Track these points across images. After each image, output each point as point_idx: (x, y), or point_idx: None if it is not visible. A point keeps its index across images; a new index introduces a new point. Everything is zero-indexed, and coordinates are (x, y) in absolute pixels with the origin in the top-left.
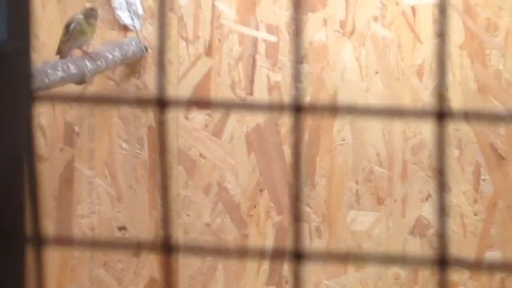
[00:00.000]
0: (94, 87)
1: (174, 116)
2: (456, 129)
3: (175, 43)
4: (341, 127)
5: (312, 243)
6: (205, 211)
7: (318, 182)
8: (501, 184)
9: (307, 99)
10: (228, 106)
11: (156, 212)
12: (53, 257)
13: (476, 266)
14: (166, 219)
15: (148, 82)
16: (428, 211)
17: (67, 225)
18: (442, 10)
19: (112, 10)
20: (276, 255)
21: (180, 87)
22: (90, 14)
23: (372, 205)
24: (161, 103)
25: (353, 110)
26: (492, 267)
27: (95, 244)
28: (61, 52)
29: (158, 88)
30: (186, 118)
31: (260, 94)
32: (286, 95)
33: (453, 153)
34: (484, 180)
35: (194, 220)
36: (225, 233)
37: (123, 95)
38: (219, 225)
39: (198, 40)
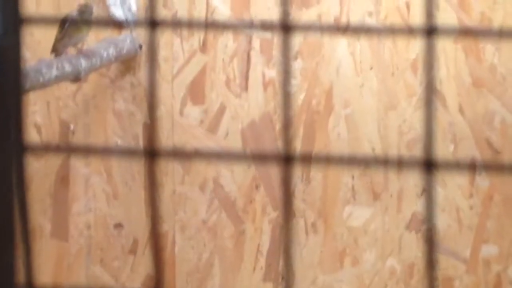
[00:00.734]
0: (89, 84)
1: (169, 112)
2: (451, 124)
3: (169, 40)
4: (336, 122)
5: (308, 238)
6: (201, 207)
7: (313, 177)
8: (497, 178)
9: (302, 94)
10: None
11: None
12: (48, 254)
13: (472, 260)
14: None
15: (143, 79)
16: (423, 206)
17: (63, 223)
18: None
19: (106, 7)
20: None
21: (174, 84)
22: (85, 11)
23: (368, 200)
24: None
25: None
26: (488, 261)
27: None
28: (56, 50)
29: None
30: (181, 114)
31: (255, 90)
32: (281, 91)
33: (448, 147)
34: (479, 174)
35: (191, 216)
36: (222, 230)
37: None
38: (215, 222)
39: (193, 36)
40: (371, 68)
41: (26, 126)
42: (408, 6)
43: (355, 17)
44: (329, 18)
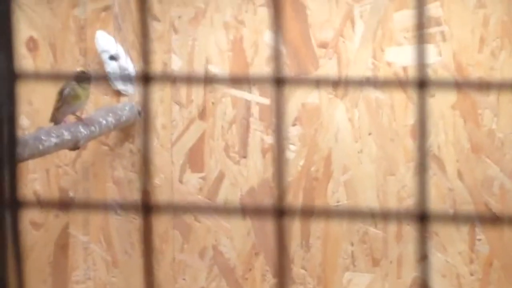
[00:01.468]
0: (88, 152)
1: (169, 180)
2: (450, 189)
3: (168, 107)
4: (336, 188)
5: None
6: (201, 275)
7: (313, 244)
8: (497, 243)
9: (301, 161)
10: None
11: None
12: None
13: None
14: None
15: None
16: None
17: None
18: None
19: (105, 75)
20: None
21: (174, 151)
22: (83, 78)
23: (367, 266)
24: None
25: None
26: None
27: None
28: (55, 119)
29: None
30: (181, 181)
31: (254, 157)
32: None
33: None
34: (479, 239)
35: (190, 284)
36: None
37: (117, 159)
38: None
39: (191, 103)
40: (369, 134)
41: (21, 186)
42: (405, 71)
43: (353, 83)
44: (327, 84)
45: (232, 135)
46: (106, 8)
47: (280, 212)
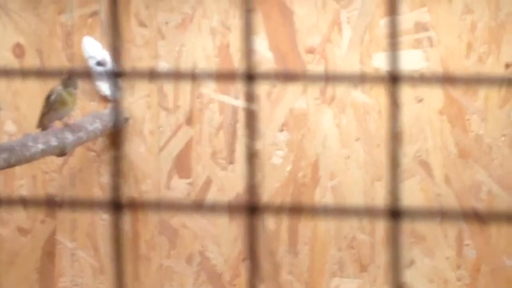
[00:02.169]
0: (75, 158)
1: (156, 186)
2: (438, 194)
3: (155, 113)
4: (323, 194)
5: None
6: (188, 281)
7: (300, 250)
8: (484, 248)
9: (289, 167)
10: None
11: (139, 282)
12: None
13: None
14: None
15: (129, 152)
16: (411, 277)
17: None
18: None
19: (92, 81)
20: None
21: (161, 156)
22: (69, 84)
23: (355, 272)
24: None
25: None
26: None
27: None
28: (42, 125)
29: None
30: (168, 187)
31: (242, 162)
32: (267, 163)
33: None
34: (467, 245)
35: None
36: None
37: (104, 165)
38: None
39: (179, 109)
40: (357, 140)
41: None
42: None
43: (340, 89)
44: (314, 90)
45: (219, 141)
46: (93, 14)
47: (252, 209)
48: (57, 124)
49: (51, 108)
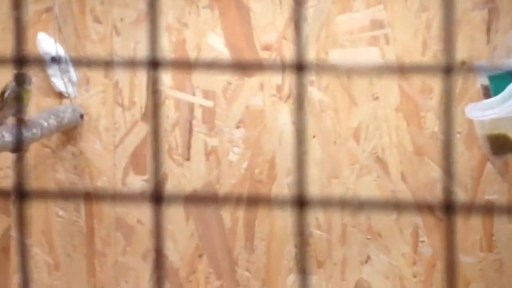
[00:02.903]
0: (30, 154)
1: (111, 182)
2: (393, 191)
3: (110, 109)
4: (280, 191)
5: None
6: (144, 277)
7: (257, 246)
8: (439, 245)
9: (245, 163)
10: None
11: (94, 279)
12: None
13: None
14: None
15: (84, 149)
16: (367, 273)
17: None
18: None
19: (47, 77)
20: None
21: (116, 153)
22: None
23: (311, 268)
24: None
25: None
26: None
27: None
28: None
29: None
30: (124, 184)
31: (197, 159)
32: (224, 160)
33: (391, 215)
34: (422, 241)
35: (133, 286)
36: None
37: (59, 162)
38: None
39: (134, 106)
40: (313, 137)
41: None
42: (349, 74)
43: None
44: (271, 87)
45: (175, 137)
46: (48, 10)
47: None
48: (12, 121)
49: (5, 104)
